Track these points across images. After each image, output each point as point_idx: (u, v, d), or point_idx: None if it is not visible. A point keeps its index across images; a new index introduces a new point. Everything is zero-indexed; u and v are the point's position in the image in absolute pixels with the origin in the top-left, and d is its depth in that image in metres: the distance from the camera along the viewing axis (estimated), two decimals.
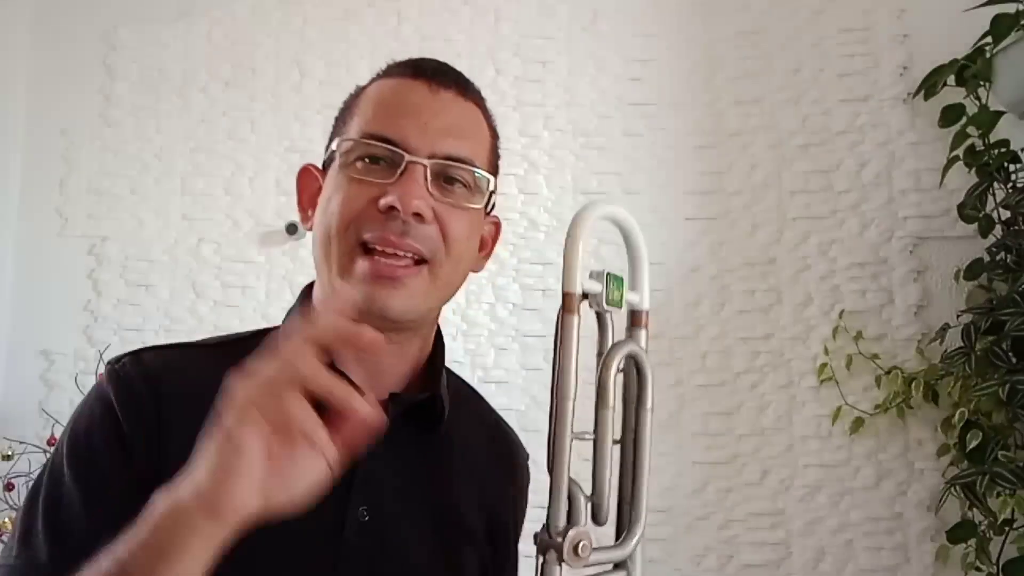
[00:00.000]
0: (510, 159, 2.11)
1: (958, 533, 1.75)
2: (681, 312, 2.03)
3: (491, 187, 0.75)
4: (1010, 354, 1.69)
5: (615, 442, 0.64)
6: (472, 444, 0.81)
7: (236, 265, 2.17)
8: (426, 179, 0.69)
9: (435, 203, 0.70)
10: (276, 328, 0.79)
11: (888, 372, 1.88)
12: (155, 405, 0.68)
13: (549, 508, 0.59)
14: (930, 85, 1.94)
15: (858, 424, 1.88)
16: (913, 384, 1.84)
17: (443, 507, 0.75)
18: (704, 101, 2.11)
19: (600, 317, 0.67)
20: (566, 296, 0.62)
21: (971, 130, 1.86)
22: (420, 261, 0.70)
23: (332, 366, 0.69)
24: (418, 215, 0.68)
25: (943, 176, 1.89)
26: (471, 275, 0.79)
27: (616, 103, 2.13)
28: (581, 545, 0.58)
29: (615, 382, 0.63)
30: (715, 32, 2.13)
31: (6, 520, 1.82)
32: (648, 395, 0.65)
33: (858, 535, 1.87)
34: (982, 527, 1.72)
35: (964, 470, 1.71)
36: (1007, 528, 1.68)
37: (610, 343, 0.65)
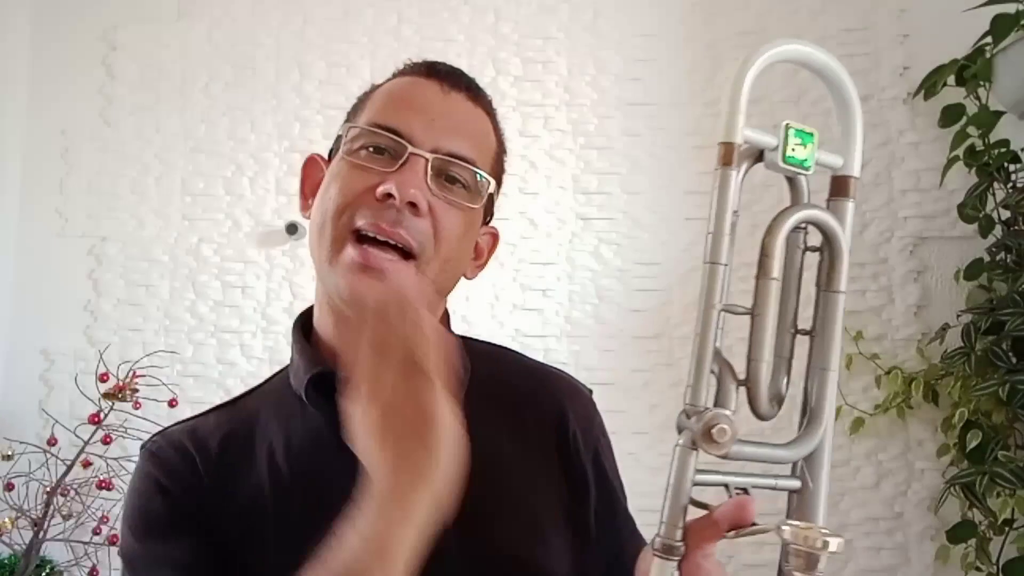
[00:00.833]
0: (510, 159, 2.10)
1: (958, 533, 1.75)
2: (681, 312, 2.03)
3: (491, 190, 0.75)
4: (1010, 354, 1.69)
5: (801, 332, 0.56)
6: (502, 395, 0.79)
7: (236, 265, 2.17)
8: (426, 173, 0.69)
9: (432, 197, 0.70)
10: (285, 368, 0.79)
11: (888, 372, 1.88)
12: (192, 468, 0.71)
13: (689, 386, 0.53)
14: (930, 85, 1.94)
15: (858, 424, 1.88)
16: (913, 384, 1.84)
17: (485, 470, 0.72)
18: (704, 101, 2.11)
19: (792, 182, 0.57)
20: (723, 146, 0.54)
21: (971, 130, 1.86)
22: (408, 256, 0.69)
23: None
24: (413, 205, 0.68)
25: (943, 176, 1.89)
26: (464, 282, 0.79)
27: (616, 103, 2.13)
28: (717, 428, 0.50)
29: (786, 251, 0.54)
30: (715, 32, 2.13)
31: (6, 520, 1.82)
32: (840, 276, 0.55)
33: (858, 535, 1.87)
34: (982, 527, 1.72)
35: (964, 470, 1.71)
36: (1007, 528, 1.68)
37: None
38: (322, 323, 0.76)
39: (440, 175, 0.71)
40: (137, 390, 1.96)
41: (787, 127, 0.54)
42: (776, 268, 0.54)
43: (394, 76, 0.78)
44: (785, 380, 0.57)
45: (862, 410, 1.90)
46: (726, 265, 0.53)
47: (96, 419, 1.92)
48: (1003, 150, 1.83)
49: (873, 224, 1.99)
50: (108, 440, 1.93)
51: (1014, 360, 1.68)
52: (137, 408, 1.95)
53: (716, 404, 0.53)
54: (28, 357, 2.17)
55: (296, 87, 2.21)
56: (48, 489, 1.89)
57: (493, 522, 0.71)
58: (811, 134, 0.55)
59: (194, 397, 2.11)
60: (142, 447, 0.75)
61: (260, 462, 0.71)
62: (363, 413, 0.55)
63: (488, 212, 0.79)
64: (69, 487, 1.91)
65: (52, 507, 1.88)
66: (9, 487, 1.86)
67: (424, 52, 2.28)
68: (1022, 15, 1.76)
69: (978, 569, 1.71)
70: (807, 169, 0.55)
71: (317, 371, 0.71)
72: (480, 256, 0.82)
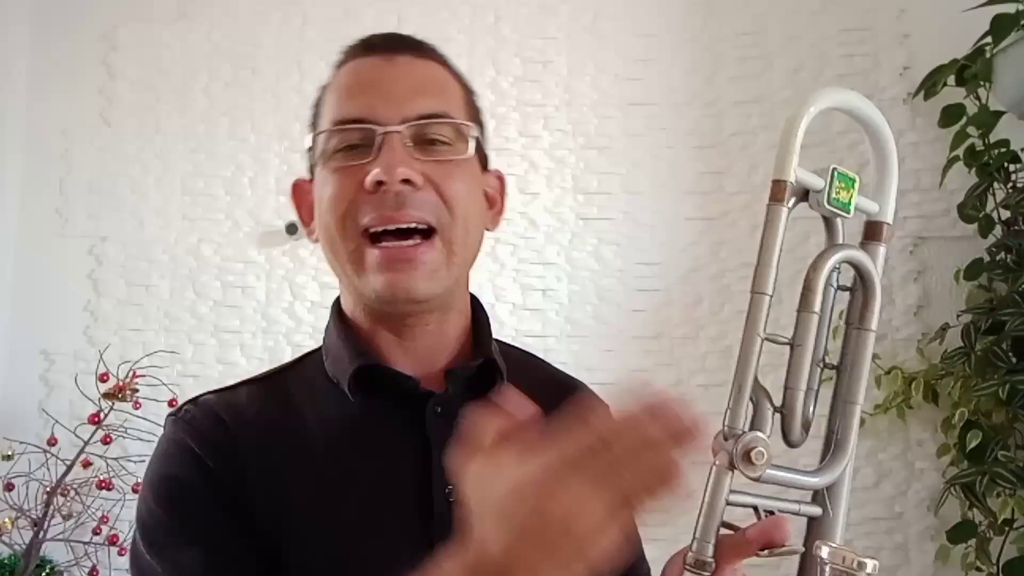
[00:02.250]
0: (510, 159, 2.11)
1: (958, 533, 1.75)
2: (681, 312, 2.03)
3: (474, 134, 0.72)
4: (1010, 354, 1.69)
5: (830, 366, 0.59)
6: (534, 399, 0.78)
7: (236, 265, 2.17)
8: (406, 145, 0.67)
9: (423, 167, 0.67)
10: (317, 351, 0.77)
11: (888, 372, 1.88)
12: (228, 439, 0.67)
13: (728, 409, 0.54)
14: (930, 85, 1.94)
15: (858, 424, 1.88)
16: (913, 384, 1.84)
17: None
18: (704, 101, 2.11)
19: (828, 222, 0.60)
20: (775, 184, 0.56)
21: (971, 130, 1.85)
22: (428, 233, 0.67)
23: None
24: (407, 181, 0.66)
25: (943, 176, 1.89)
26: (476, 267, 0.76)
27: (616, 103, 2.13)
28: (755, 452, 0.52)
29: (824, 288, 0.57)
30: (715, 32, 2.13)
31: (6, 520, 1.82)
32: (872, 315, 0.58)
33: (858, 535, 1.87)
34: (982, 527, 1.72)
35: (964, 470, 1.71)
36: (1007, 528, 1.67)
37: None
38: (355, 317, 0.74)
39: (419, 141, 0.68)
40: (137, 390, 1.96)
41: (834, 171, 0.57)
42: (817, 303, 0.56)
43: (337, 68, 0.75)
44: (812, 409, 0.59)
45: (862, 410, 1.89)
46: (771, 296, 0.56)
47: (96, 419, 1.92)
48: (1003, 150, 1.83)
49: None
50: (108, 440, 1.93)
51: (1014, 360, 1.68)
52: (137, 408, 1.95)
53: (752, 428, 0.55)
54: (28, 357, 2.17)
55: (296, 87, 2.21)
56: (48, 489, 1.89)
57: None
58: (854, 179, 0.58)
59: None
60: (169, 416, 0.71)
61: (298, 447, 0.69)
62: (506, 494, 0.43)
63: (483, 158, 0.76)
64: (69, 487, 1.91)
65: (52, 507, 1.88)
66: (9, 487, 1.86)
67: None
68: (1022, 15, 1.76)
69: (978, 569, 1.71)
70: (848, 212, 0.58)
71: (363, 363, 0.69)
72: (494, 203, 0.79)
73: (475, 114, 0.76)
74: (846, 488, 0.58)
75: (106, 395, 1.94)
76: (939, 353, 1.84)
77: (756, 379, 0.55)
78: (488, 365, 0.73)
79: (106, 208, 2.22)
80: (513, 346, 0.85)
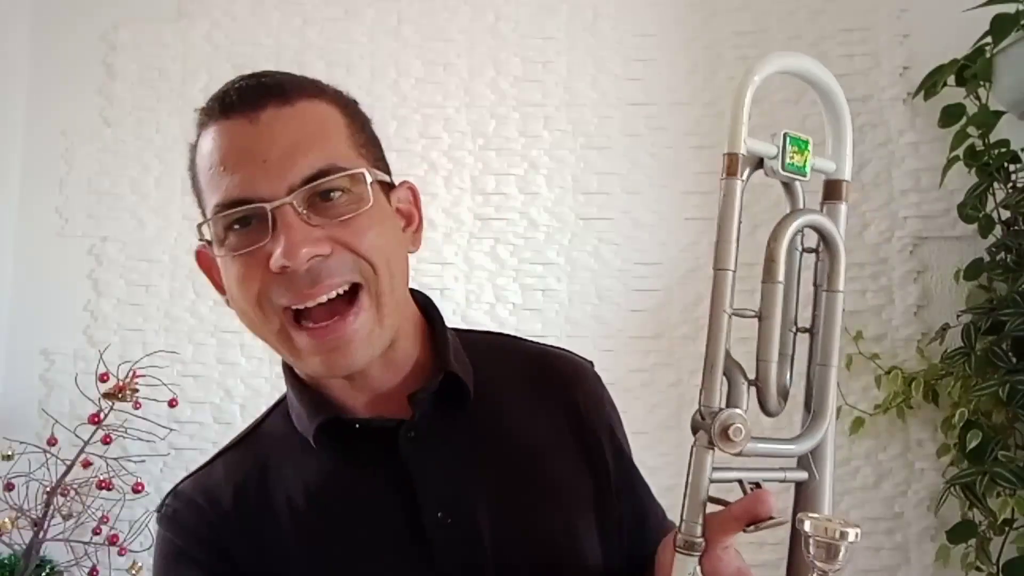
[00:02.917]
0: (510, 159, 2.11)
1: (958, 533, 1.75)
2: (681, 312, 2.03)
3: (367, 176, 0.66)
4: (1010, 354, 1.68)
5: (802, 330, 0.59)
6: (513, 387, 0.77)
7: None
8: (300, 215, 0.62)
9: (326, 231, 0.63)
10: (279, 405, 0.77)
11: (888, 372, 1.88)
12: (211, 530, 0.70)
13: (702, 388, 0.55)
14: (930, 85, 1.94)
15: (858, 424, 1.88)
16: (913, 384, 1.84)
17: (515, 465, 0.72)
18: (704, 101, 2.10)
19: (788, 187, 0.60)
20: (728, 157, 0.55)
21: (971, 130, 1.85)
22: (353, 290, 0.64)
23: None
24: (312, 259, 0.61)
25: (943, 176, 1.89)
26: (416, 272, 0.76)
27: (616, 103, 2.13)
28: (733, 428, 0.52)
29: (788, 255, 0.57)
30: (715, 32, 2.13)
31: (6, 520, 1.82)
32: (839, 276, 0.58)
33: (858, 535, 1.86)
34: (982, 527, 1.72)
35: (964, 470, 1.71)
36: (1007, 528, 1.67)
37: None
38: (304, 374, 0.73)
39: (313, 205, 0.63)
40: (137, 390, 1.96)
41: (785, 136, 0.57)
42: (781, 272, 0.56)
43: (198, 128, 0.70)
44: (788, 377, 0.60)
45: (862, 410, 1.90)
46: (733, 271, 0.56)
47: (96, 419, 1.92)
48: (1003, 150, 1.83)
49: (873, 224, 1.99)
50: (108, 440, 1.93)
51: (1014, 360, 1.68)
52: (137, 408, 1.95)
53: (729, 404, 0.55)
54: (28, 357, 2.17)
55: None
56: (48, 489, 1.89)
57: (527, 514, 0.70)
58: (806, 141, 0.58)
59: (194, 397, 2.11)
60: (157, 510, 0.73)
61: (281, 512, 0.69)
62: None
63: (385, 183, 0.71)
64: (69, 487, 1.91)
65: (52, 507, 1.88)
66: (9, 487, 1.86)
67: (424, 52, 2.29)
68: (1022, 15, 1.76)
69: (978, 569, 1.71)
70: (805, 175, 0.58)
71: (322, 419, 0.69)
72: (411, 220, 0.74)
73: (363, 140, 0.70)
74: (830, 451, 0.58)
75: (106, 395, 1.94)
76: (939, 353, 1.84)
77: (729, 355, 0.56)
78: (449, 378, 0.71)
79: (106, 208, 2.22)
80: (481, 332, 0.84)
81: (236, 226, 0.64)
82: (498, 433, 0.73)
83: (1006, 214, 1.83)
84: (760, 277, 0.57)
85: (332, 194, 0.64)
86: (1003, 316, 1.69)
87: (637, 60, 2.14)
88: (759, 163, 0.57)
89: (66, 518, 1.90)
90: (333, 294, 0.63)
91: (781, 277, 0.56)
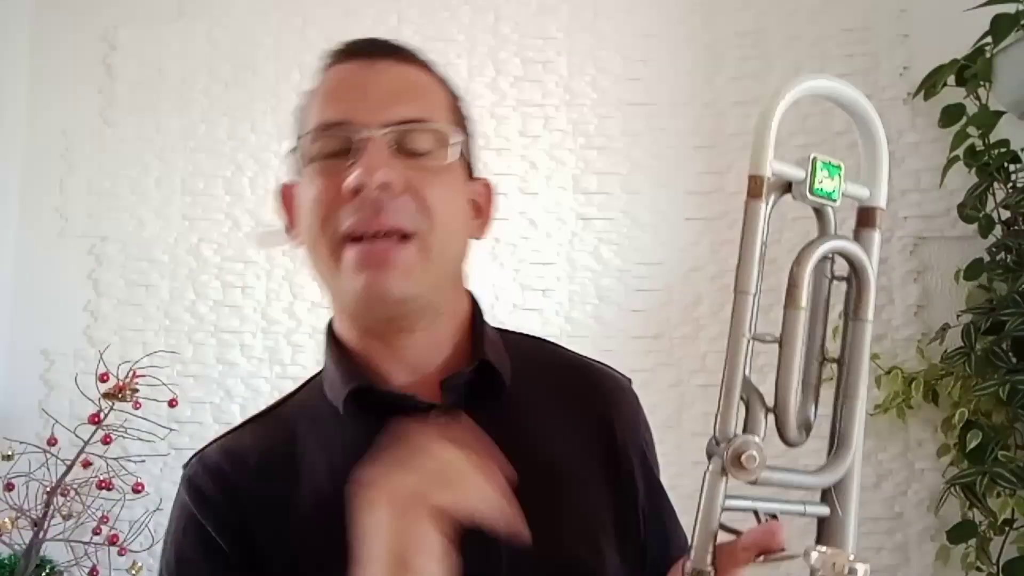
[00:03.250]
0: (510, 159, 2.11)
1: (958, 533, 1.75)
2: (681, 312, 2.03)
3: (457, 140, 0.70)
4: (1010, 354, 1.69)
5: (829, 360, 0.58)
6: (548, 392, 0.77)
7: (236, 265, 2.17)
8: (385, 150, 0.66)
9: (403, 171, 0.66)
10: (319, 375, 0.77)
11: (888, 372, 1.88)
12: (230, 500, 0.69)
13: (717, 413, 0.53)
14: (930, 85, 1.94)
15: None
16: (913, 384, 1.84)
17: (538, 470, 0.70)
18: (704, 101, 2.10)
19: (819, 212, 0.58)
20: (751, 179, 0.55)
21: (971, 130, 1.85)
22: (405, 237, 0.67)
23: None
24: (386, 185, 0.65)
25: (943, 176, 1.89)
26: (468, 261, 0.76)
27: (616, 103, 2.13)
28: (746, 456, 0.51)
29: (815, 281, 0.56)
30: (715, 32, 2.13)
31: (6, 520, 1.82)
32: (867, 305, 0.56)
33: (858, 535, 1.86)
34: (982, 527, 1.72)
35: (964, 470, 1.71)
36: (1007, 528, 1.68)
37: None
38: (346, 335, 0.74)
39: (400, 146, 0.67)
40: (137, 390, 1.96)
41: (814, 160, 0.55)
42: (804, 298, 0.55)
43: (320, 74, 0.75)
44: (813, 408, 0.58)
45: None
46: (754, 294, 0.54)
47: (96, 419, 1.92)
48: (1003, 150, 1.83)
49: None
50: (108, 440, 1.93)
51: (1014, 360, 1.68)
52: (137, 408, 1.96)
53: (745, 431, 0.54)
54: (28, 357, 2.17)
55: (296, 87, 2.21)
56: (48, 489, 1.89)
57: (548, 532, 0.68)
58: (838, 166, 0.56)
59: (194, 397, 2.11)
60: (183, 468, 0.73)
61: (304, 482, 0.69)
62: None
63: (468, 165, 0.75)
64: (69, 487, 1.91)
65: (52, 507, 1.88)
66: (9, 487, 1.86)
67: (424, 52, 2.28)
68: (1022, 15, 1.76)
69: (978, 569, 1.71)
70: (834, 201, 0.56)
71: (355, 386, 0.69)
72: (480, 212, 0.78)
73: (460, 120, 0.75)
74: (855, 486, 0.56)
75: (106, 395, 1.94)
76: (939, 353, 1.84)
77: (748, 379, 0.54)
78: (484, 368, 0.72)
79: (106, 208, 2.22)
80: (524, 335, 0.84)
81: (327, 152, 0.68)
82: (526, 434, 0.72)
83: (1006, 214, 1.83)
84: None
85: (419, 146, 0.68)
86: (1003, 316, 1.69)
87: (637, 60, 2.14)
88: (787, 187, 0.56)
89: (66, 518, 1.90)
90: (391, 232, 0.66)
91: (804, 303, 0.55)
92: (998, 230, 1.83)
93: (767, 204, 0.55)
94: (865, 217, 0.58)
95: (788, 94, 0.55)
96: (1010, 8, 1.77)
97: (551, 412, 0.75)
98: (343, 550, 0.63)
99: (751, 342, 0.54)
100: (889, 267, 1.98)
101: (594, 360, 0.85)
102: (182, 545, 0.69)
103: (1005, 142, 1.83)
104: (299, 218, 0.73)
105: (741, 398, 0.54)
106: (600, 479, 0.74)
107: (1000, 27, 1.79)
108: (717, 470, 0.53)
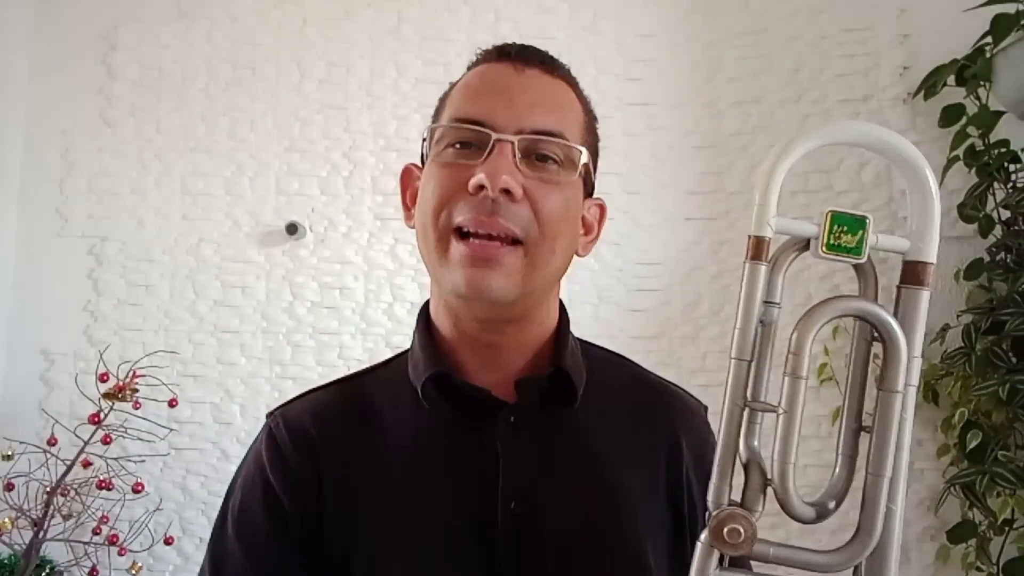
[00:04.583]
0: None
1: (958, 533, 1.75)
2: (681, 312, 2.03)
3: (584, 160, 0.72)
4: (1010, 354, 1.69)
5: (862, 429, 0.53)
6: (620, 408, 0.78)
7: (236, 265, 2.17)
8: (515, 156, 0.67)
9: (526, 180, 0.67)
10: (405, 353, 0.79)
11: None
12: (306, 457, 0.71)
13: (711, 482, 0.51)
14: (930, 85, 1.94)
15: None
16: None
17: (597, 479, 0.73)
18: (704, 101, 2.10)
19: (858, 268, 0.54)
20: (752, 239, 0.51)
21: (971, 130, 1.85)
22: (515, 242, 0.68)
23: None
24: (507, 192, 0.66)
25: (943, 176, 1.89)
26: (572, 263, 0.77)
27: (616, 103, 2.13)
28: (729, 529, 0.48)
29: (811, 348, 0.50)
30: (715, 32, 2.13)
31: (6, 520, 1.82)
32: (896, 374, 0.50)
33: None
34: (982, 527, 1.72)
35: (964, 470, 1.71)
36: (1007, 528, 1.68)
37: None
38: (440, 322, 0.75)
39: (529, 155, 0.69)
40: (137, 390, 1.96)
41: (828, 215, 0.51)
42: (805, 367, 0.50)
43: (469, 69, 0.77)
44: (844, 480, 0.54)
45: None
46: (749, 361, 0.51)
47: (96, 419, 1.92)
48: (1003, 150, 1.83)
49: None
50: (108, 440, 1.93)
51: (1014, 360, 1.68)
52: (137, 408, 1.96)
53: (743, 503, 0.51)
54: (28, 357, 2.17)
55: (296, 87, 2.21)
56: (48, 489, 1.89)
57: (594, 533, 0.70)
58: (862, 219, 0.51)
59: (194, 397, 2.11)
60: (267, 415, 0.76)
61: (375, 451, 0.71)
62: None
63: (588, 184, 0.76)
64: (69, 487, 1.91)
65: (52, 507, 1.88)
66: (9, 487, 1.86)
67: (424, 52, 2.29)
68: (1022, 15, 1.76)
69: (978, 569, 1.71)
70: (859, 256, 0.52)
71: (435, 372, 0.71)
72: (590, 231, 0.80)
73: (591, 141, 0.76)
74: (892, 572, 0.51)
75: (106, 395, 1.94)
76: (939, 353, 1.84)
77: (751, 448, 0.52)
78: (560, 375, 0.73)
79: (106, 208, 2.22)
80: (606, 350, 0.85)
81: (457, 145, 0.69)
82: (590, 445, 0.74)
83: (1006, 214, 1.83)
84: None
85: (546, 158, 0.69)
86: (1003, 316, 1.69)
87: (637, 60, 2.14)
88: (806, 245, 0.52)
89: (66, 518, 1.90)
90: (502, 235, 0.67)
91: (804, 372, 0.50)
92: (998, 230, 1.83)
93: (775, 264, 0.51)
94: (910, 272, 0.53)
95: (795, 150, 0.51)
96: (1010, 8, 1.77)
97: (618, 426, 0.76)
98: (400, 541, 0.66)
99: (750, 410, 0.51)
100: (889, 267, 1.97)
101: (670, 382, 0.86)
102: (248, 495, 0.71)
103: (1005, 142, 1.83)
104: (417, 201, 0.74)
105: (744, 467, 0.52)
106: (659, 497, 0.75)
107: (1000, 27, 1.79)
108: (706, 542, 0.50)
